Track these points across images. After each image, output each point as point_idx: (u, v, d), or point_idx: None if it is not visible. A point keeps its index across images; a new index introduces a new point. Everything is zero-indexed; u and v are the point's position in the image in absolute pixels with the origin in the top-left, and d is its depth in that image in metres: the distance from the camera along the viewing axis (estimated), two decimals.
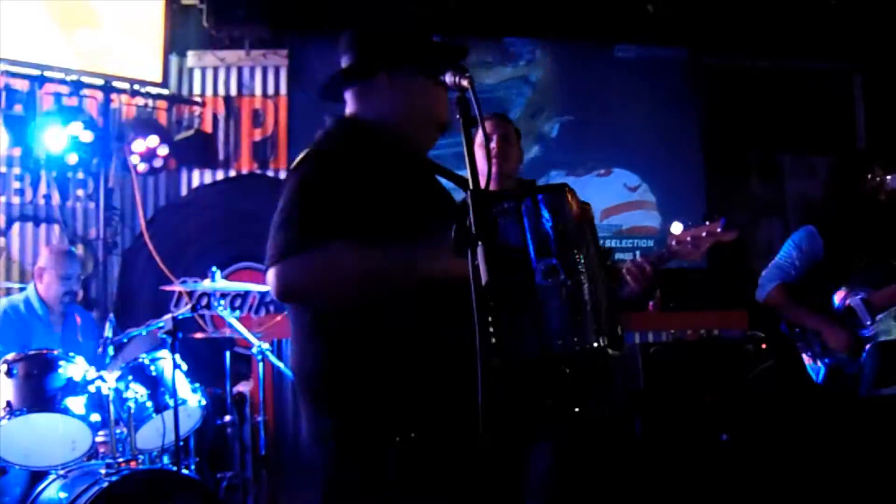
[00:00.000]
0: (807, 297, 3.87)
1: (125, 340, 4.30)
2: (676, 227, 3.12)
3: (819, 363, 3.79)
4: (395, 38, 2.15)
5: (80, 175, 5.61)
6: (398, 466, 1.87)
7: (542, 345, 1.84)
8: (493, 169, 3.31)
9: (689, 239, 3.06)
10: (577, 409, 2.95)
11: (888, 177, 3.86)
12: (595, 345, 1.92)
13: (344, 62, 2.19)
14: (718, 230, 3.05)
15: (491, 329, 1.75)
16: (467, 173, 1.84)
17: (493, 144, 3.32)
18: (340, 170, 1.93)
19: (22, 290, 4.52)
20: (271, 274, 1.85)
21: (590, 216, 3.32)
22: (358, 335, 1.92)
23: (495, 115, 3.45)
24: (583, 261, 1.91)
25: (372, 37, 2.17)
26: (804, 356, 3.85)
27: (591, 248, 1.99)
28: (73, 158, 5.23)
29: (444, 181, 2.20)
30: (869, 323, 3.67)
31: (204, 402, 4.15)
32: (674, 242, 3.07)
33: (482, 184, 1.81)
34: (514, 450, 2.02)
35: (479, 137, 3.26)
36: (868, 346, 3.65)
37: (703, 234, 3.05)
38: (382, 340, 1.90)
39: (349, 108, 2.19)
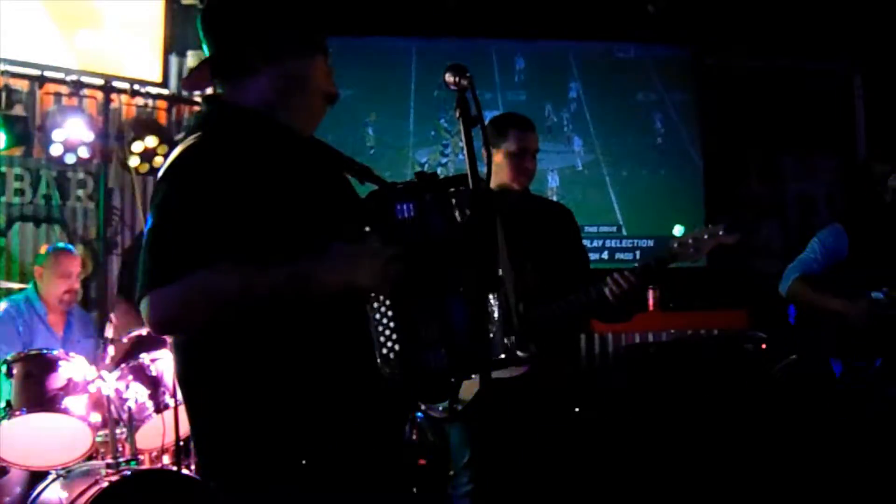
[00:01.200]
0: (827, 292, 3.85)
1: (125, 340, 4.29)
2: (678, 231, 3.12)
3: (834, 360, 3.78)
4: (260, 17, 1.85)
5: (80, 175, 5.61)
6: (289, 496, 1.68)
7: (450, 356, 1.72)
8: (519, 185, 3.28)
9: (690, 242, 3.06)
10: (577, 409, 2.95)
11: None
12: (502, 355, 1.85)
13: (207, 50, 1.91)
14: (720, 233, 3.05)
15: (393, 339, 1.69)
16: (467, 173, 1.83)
17: (529, 163, 3.26)
18: (220, 171, 1.69)
19: (22, 290, 4.52)
20: (143, 304, 1.63)
21: (554, 223, 3.30)
22: (248, 360, 1.70)
23: (532, 127, 3.35)
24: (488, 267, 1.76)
25: (234, 21, 1.86)
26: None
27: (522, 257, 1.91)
28: (72, 158, 5.23)
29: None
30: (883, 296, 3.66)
31: None
32: (675, 245, 3.07)
33: (475, 184, 1.81)
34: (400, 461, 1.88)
35: (508, 144, 3.24)
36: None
37: (705, 237, 3.06)
38: (274, 364, 1.70)
39: (226, 94, 1.91)
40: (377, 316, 1.72)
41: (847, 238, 3.84)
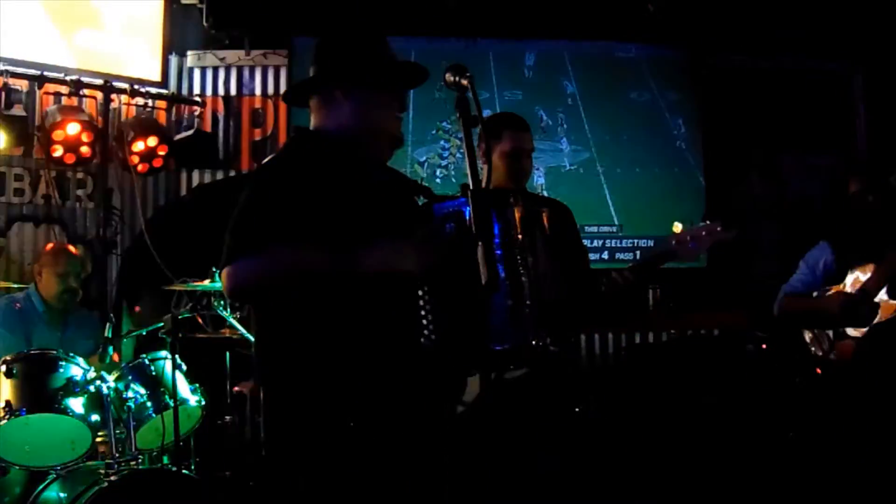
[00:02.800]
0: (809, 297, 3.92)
1: (124, 340, 4.30)
2: (676, 227, 3.13)
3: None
4: (353, 52, 2.23)
5: (80, 175, 5.61)
6: (339, 453, 1.96)
7: (482, 342, 2.00)
8: (515, 184, 3.28)
9: (688, 238, 3.07)
10: (577, 409, 2.95)
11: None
12: (534, 342, 2.03)
13: (311, 72, 2.29)
14: (718, 230, 3.06)
15: (431, 323, 1.94)
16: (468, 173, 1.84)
17: (524, 163, 3.28)
18: (293, 179, 2.07)
19: (22, 289, 4.52)
20: (223, 275, 2.00)
21: (557, 220, 3.31)
22: (303, 329, 2.04)
23: (527, 128, 3.36)
24: (529, 263, 2.02)
25: (330, 50, 2.25)
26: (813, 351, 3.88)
27: (538, 252, 2.13)
28: (72, 158, 5.22)
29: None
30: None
31: (204, 402, 4.15)
32: (674, 242, 3.07)
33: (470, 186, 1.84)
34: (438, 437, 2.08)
35: (502, 145, 3.24)
36: None
37: (703, 233, 3.06)
38: (325, 334, 2.02)
39: (312, 119, 2.28)
40: (421, 301, 1.97)
41: (833, 253, 3.90)
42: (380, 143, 2.22)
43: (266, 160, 2.22)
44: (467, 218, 1.91)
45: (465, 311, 1.95)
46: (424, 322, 1.95)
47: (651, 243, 6.21)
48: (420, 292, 1.99)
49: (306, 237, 1.98)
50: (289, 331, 2.05)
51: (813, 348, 3.88)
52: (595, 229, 6.23)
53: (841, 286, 3.85)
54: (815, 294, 3.93)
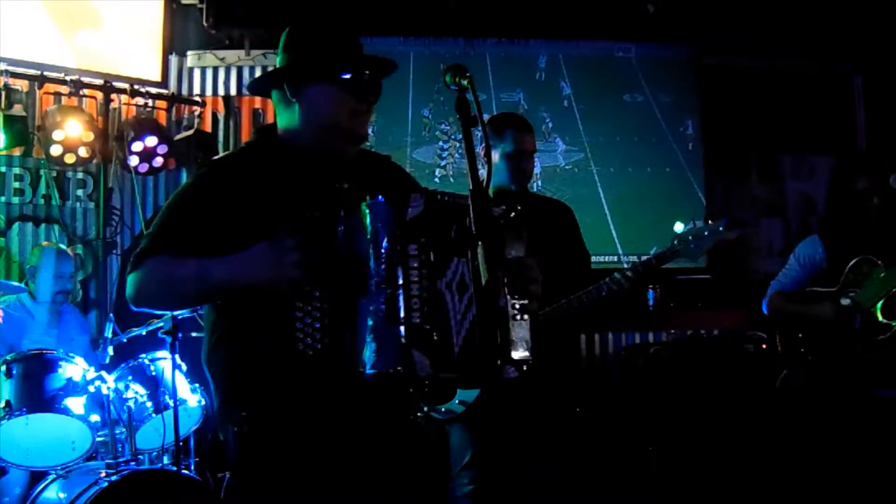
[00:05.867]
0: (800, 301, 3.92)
1: (125, 340, 4.30)
2: (679, 227, 3.12)
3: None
4: (299, 48, 2.14)
5: (80, 175, 5.61)
6: (239, 442, 2.02)
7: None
8: (516, 185, 3.28)
9: (691, 238, 3.06)
10: (577, 409, 2.94)
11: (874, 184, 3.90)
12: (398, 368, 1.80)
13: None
14: (721, 229, 3.05)
15: (317, 331, 1.86)
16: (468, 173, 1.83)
17: (526, 163, 3.27)
18: (214, 185, 2.06)
19: (20, 289, 4.51)
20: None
21: (553, 221, 3.28)
22: (222, 330, 2.10)
23: (529, 128, 3.35)
24: (416, 274, 1.82)
25: (282, 46, 2.18)
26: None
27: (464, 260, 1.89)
28: (72, 158, 5.22)
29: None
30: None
31: (204, 402, 4.15)
32: (676, 242, 3.07)
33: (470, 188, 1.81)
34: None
35: (505, 145, 3.24)
36: None
37: (706, 233, 3.06)
38: (230, 335, 2.08)
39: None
40: (307, 307, 1.89)
41: (822, 246, 3.88)
42: (334, 140, 2.10)
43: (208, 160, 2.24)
44: (374, 216, 1.84)
45: (351, 316, 1.87)
46: (300, 328, 1.86)
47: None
48: (302, 301, 1.88)
49: (197, 245, 1.98)
50: (214, 333, 2.13)
51: (803, 349, 3.87)
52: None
53: (835, 287, 3.83)
54: (805, 290, 3.90)
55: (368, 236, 1.85)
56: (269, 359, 1.95)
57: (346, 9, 4.94)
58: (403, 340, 1.80)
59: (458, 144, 5.53)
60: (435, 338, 1.83)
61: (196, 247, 1.98)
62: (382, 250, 1.83)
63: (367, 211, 1.85)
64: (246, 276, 1.92)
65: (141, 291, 2.05)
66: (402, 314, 1.80)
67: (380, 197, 1.85)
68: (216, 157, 2.26)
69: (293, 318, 1.87)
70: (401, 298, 1.81)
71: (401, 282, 1.81)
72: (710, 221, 3.10)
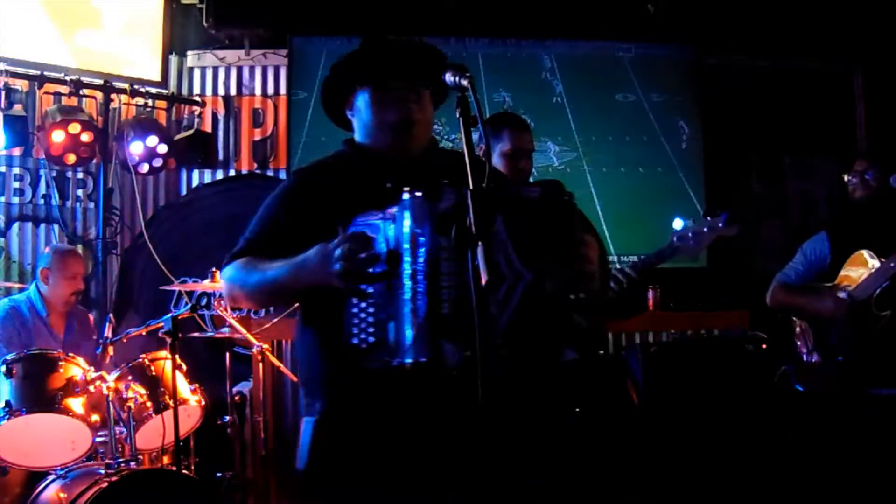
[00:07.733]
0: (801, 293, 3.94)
1: (125, 340, 4.29)
2: (678, 224, 3.11)
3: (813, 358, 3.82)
4: (341, 65, 2.29)
5: (80, 175, 5.61)
6: (315, 436, 2.14)
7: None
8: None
9: (690, 235, 3.05)
10: (577, 409, 2.94)
11: (868, 173, 3.90)
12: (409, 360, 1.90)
13: None
14: (720, 225, 3.04)
15: (371, 325, 1.94)
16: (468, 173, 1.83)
17: (524, 163, 3.25)
18: (300, 189, 2.24)
19: (22, 290, 4.51)
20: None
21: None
22: (301, 330, 2.25)
23: (527, 128, 3.33)
24: (423, 267, 1.91)
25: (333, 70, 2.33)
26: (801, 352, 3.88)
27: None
28: (72, 158, 5.22)
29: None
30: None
31: (204, 402, 4.15)
32: (675, 239, 3.06)
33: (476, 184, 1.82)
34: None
35: (503, 144, 3.23)
36: None
37: (705, 229, 3.04)
38: (304, 334, 2.23)
39: None
40: (361, 304, 1.97)
41: (829, 243, 3.90)
42: (383, 138, 2.22)
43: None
44: (410, 210, 1.91)
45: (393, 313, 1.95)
46: (356, 323, 1.96)
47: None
48: (357, 297, 1.97)
49: (276, 247, 2.10)
50: (299, 332, 2.27)
51: (798, 343, 3.88)
52: None
53: (837, 281, 3.84)
54: (808, 285, 3.92)
55: (405, 230, 1.92)
56: (331, 353, 2.07)
57: (344, 9, 4.95)
58: (433, 331, 1.90)
59: (451, 145, 5.52)
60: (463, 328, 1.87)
61: (275, 248, 2.09)
62: (418, 243, 1.92)
63: (405, 205, 1.92)
64: (302, 277, 2.02)
65: (227, 293, 2.23)
66: (431, 306, 1.90)
67: (416, 192, 1.93)
68: (305, 165, 2.40)
69: (349, 315, 1.97)
70: (430, 290, 1.90)
71: (430, 273, 1.90)
72: (708, 217, 3.08)
